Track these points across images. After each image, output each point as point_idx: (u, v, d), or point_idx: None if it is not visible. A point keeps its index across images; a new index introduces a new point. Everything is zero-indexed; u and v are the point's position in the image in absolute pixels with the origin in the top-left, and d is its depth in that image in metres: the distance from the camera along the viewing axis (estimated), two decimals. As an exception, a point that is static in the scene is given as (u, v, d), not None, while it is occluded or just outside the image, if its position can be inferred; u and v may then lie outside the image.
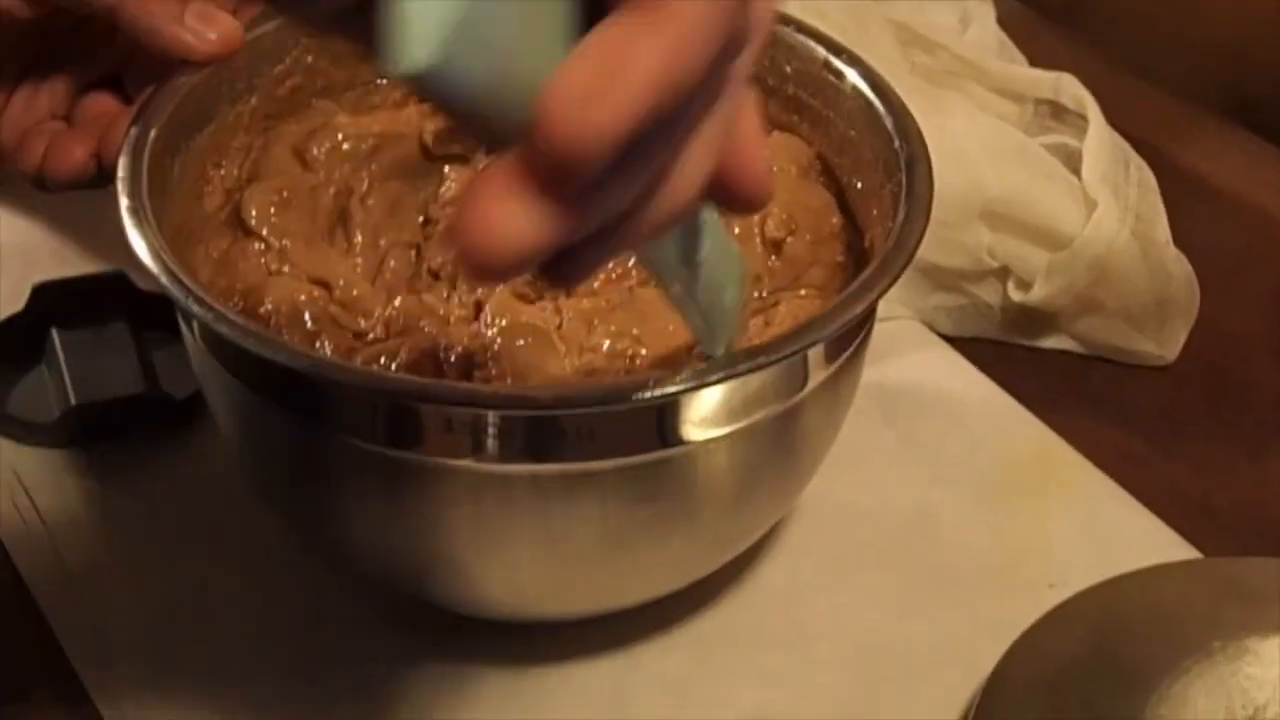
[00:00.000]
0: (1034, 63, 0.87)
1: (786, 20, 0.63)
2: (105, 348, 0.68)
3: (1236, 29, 0.93)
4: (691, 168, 0.35)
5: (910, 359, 0.72)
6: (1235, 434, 0.71)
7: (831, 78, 0.62)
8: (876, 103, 0.60)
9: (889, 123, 0.59)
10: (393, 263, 0.61)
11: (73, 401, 0.66)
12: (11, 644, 0.59)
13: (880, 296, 0.54)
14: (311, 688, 0.58)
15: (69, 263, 0.75)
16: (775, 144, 0.64)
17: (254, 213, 0.60)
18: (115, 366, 0.67)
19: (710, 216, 0.44)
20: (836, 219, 0.62)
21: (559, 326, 0.57)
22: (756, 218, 0.61)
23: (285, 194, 0.60)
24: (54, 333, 0.69)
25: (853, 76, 0.61)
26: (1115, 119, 0.83)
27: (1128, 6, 0.97)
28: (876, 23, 0.78)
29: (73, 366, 0.67)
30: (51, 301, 0.69)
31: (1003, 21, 0.91)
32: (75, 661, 0.58)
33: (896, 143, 0.58)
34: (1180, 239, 0.75)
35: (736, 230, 0.61)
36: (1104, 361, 0.74)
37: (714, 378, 0.49)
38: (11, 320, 0.69)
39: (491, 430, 0.50)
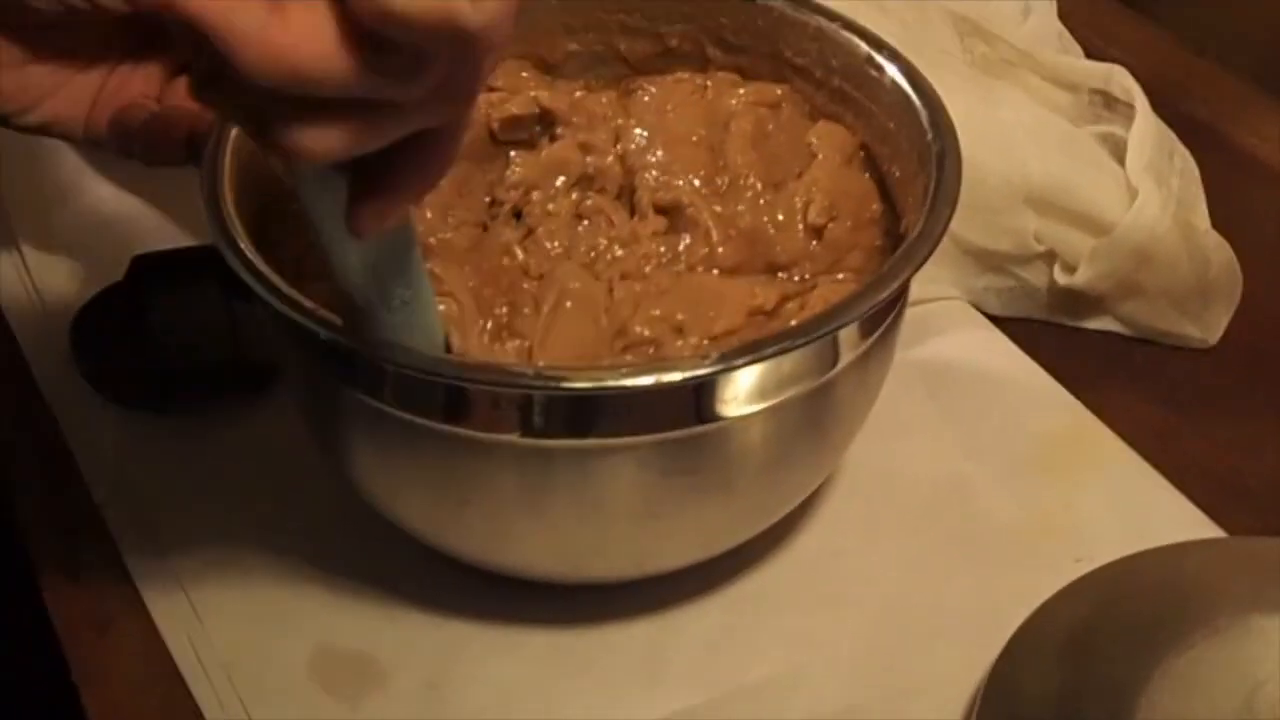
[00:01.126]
0: (1103, 45, 0.90)
1: (833, 17, 0.67)
2: (197, 316, 0.72)
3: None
4: None
5: (957, 337, 0.75)
6: (1271, 415, 0.73)
7: (873, 72, 0.65)
8: (913, 97, 0.63)
9: (924, 116, 0.62)
10: (461, 240, 0.65)
11: (164, 366, 0.70)
12: (93, 578, 0.65)
13: (905, 282, 0.57)
14: (363, 638, 0.62)
15: (168, 235, 0.80)
16: (821, 132, 0.67)
17: None
18: (205, 334, 0.71)
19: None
20: (877, 205, 0.65)
21: (607, 310, 0.60)
22: (799, 203, 0.64)
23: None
24: (150, 301, 0.73)
25: (892, 71, 0.64)
26: (1177, 101, 0.85)
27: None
28: (938, 14, 0.81)
29: (165, 334, 0.72)
30: (150, 272, 0.74)
31: (1074, 4, 0.93)
32: (147, 597, 0.64)
33: (930, 136, 0.61)
34: (1232, 221, 0.78)
35: (780, 216, 0.64)
36: (1147, 343, 0.77)
37: (740, 361, 0.53)
38: (112, 289, 0.74)
39: (536, 408, 0.54)
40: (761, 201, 0.65)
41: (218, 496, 0.68)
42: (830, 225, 0.64)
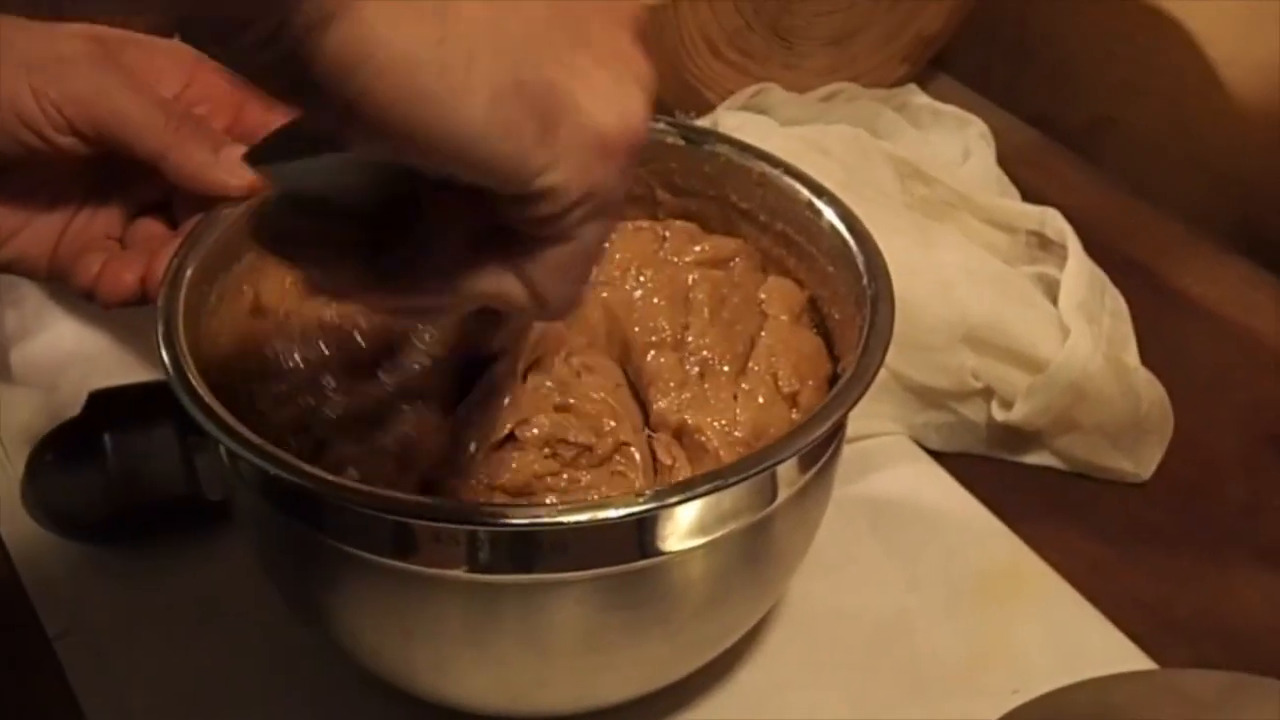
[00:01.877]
0: (1043, 183, 0.92)
1: (776, 163, 0.69)
2: (152, 451, 0.73)
3: (1244, 157, 0.96)
4: None
5: (898, 472, 0.77)
6: (1200, 547, 0.75)
7: (813, 217, 0.67)
8: (850, 242, 0.65)
9: (860, 261, 0.64)
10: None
11: (119, 500, 0.71)
12: (44, 712, 0.66)
13: (839, 420, 0.59)
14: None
15: (125, 369, 0.81)
16: (771, 289, 0.69)
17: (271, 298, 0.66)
18: (160, 469, 0.72)
19: None
20: (828, 365, 0.67)
21: None
22: (768, 375, 0.65)
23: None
24: (106, 436, 0.74)
25: (830, 216, 0.66)
26: (1114, 240, 0.88)
27: (1143, 134, 1.02)
28: (879, 157, 0.83)
29: (121, 468, 0.72)
30: (106, 407, 0.74)
31: (1016, 145, 0.96)
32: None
33: (865, 280, 0.63)
34: (1167, 358, 0.80)
35: (745, 385, 0.65)
36: (1083, 478, 0.78)
37: (674, 499, 0.55)
38: (68, 424, 0.75)
39: (479, 543, 0.55)
40: (741, 387, 0.65)
41: (171, 630, 0.68)
42: (801, 390, 0.65)
